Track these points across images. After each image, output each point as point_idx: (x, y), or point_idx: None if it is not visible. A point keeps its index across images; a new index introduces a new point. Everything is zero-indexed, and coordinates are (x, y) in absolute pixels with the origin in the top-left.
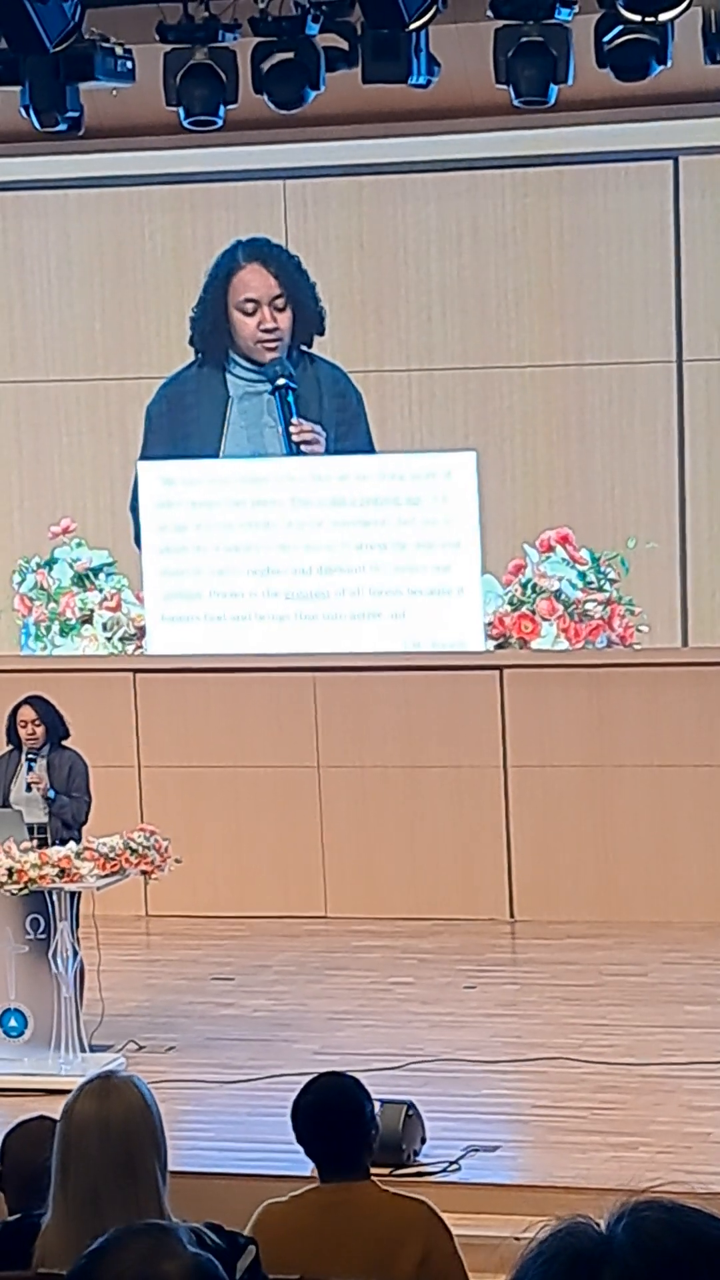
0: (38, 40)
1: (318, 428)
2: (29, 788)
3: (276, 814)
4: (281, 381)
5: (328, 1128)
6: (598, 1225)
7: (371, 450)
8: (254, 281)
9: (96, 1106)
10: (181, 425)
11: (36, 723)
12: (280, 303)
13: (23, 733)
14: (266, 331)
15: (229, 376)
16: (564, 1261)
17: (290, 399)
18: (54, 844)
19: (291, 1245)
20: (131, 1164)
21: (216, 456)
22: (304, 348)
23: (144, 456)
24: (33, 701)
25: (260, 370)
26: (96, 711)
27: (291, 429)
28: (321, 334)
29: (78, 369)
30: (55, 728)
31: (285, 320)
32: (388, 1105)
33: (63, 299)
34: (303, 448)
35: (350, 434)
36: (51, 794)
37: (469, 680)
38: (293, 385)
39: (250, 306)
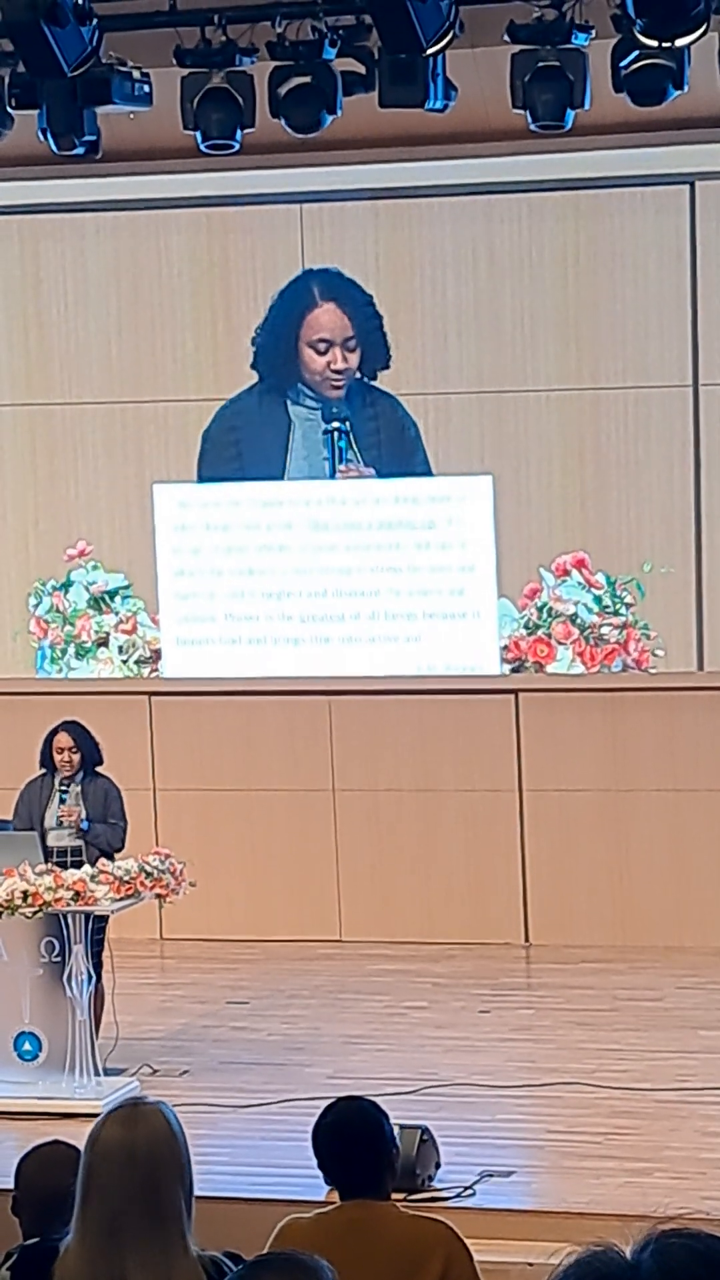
0: (56, 64)
1: (367, 472)
2: (60, 822)
3: (291, 837)
4: (335, 425)
5: (348, 1149)
6: (622, 1252)
7: (430, 475)
8: (328, 322)
9: (122, 1133)
10: (245, 448)
11: (73, 750)
12: (352, 344)
13: (58, 759)
14: (336, 372)
15: (290, 404)
16: None
17: (342, 444)
18: None
19: None
20: (155, 1193)
21: (281, 478)
22: (368, 380)
23: (202, 479)
24: (69, 728)
25: (322, 404)
26: (112, 734)
27: (339, 472)
28: (387, 368)
29: (94, 392)
30: (90, 755)
31: (354, 360)
32: (402, 1130)
33: (79, 322)
34: None
35: (407, 464)
36: (85, 825)
37: (484, 704)
38: (345, 430)
39: (323, 346)
